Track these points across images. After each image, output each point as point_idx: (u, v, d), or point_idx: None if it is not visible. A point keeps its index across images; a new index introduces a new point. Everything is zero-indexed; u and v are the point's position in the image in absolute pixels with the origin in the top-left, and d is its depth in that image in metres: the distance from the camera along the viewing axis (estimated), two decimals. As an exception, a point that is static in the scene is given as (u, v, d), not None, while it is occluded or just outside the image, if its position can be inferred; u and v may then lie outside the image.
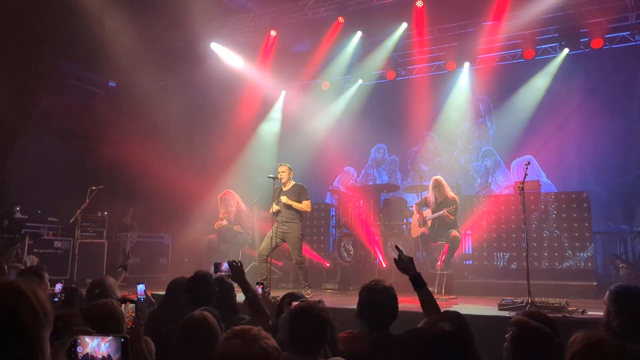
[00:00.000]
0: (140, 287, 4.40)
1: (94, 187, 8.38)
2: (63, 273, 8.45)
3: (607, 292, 2.99)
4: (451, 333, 2.02)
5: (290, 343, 2.42)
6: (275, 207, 7.03)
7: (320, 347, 2.46)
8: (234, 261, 3.75)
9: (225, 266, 3.90)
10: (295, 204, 6.99)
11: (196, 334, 2.42)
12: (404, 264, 3.19)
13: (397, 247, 3.45)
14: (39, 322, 1.28)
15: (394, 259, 3.27)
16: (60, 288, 4.33)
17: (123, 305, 2.97)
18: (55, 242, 8.65)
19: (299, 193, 7.05)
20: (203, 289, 3.26)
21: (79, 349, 2.02)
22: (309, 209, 7.26)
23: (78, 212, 8.28)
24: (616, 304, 2.90)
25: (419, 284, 3.12)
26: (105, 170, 10.04)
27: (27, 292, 1.29)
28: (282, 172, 7.08)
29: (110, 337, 2.05)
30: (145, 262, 9.53)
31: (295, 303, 2.77)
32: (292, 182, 7.14)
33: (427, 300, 3.11)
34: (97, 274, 8.74)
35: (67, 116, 10.50)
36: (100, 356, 2.03)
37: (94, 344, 2.04)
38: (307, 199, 7.09)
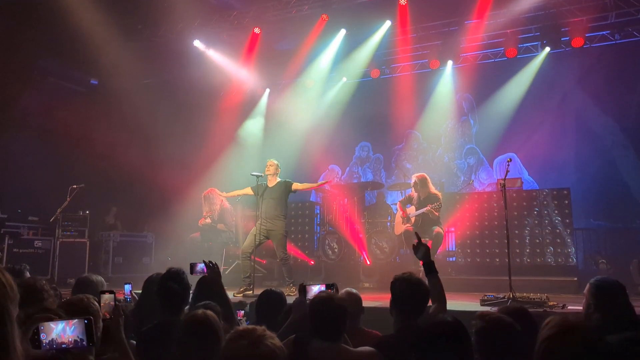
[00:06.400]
0: (127, 287, 4.35)
1: (75, 186, 8.24)
2: (44, 273, 8.32)
3: (588, 285, 3.01)
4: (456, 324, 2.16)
5: (311, 331, 2.64)
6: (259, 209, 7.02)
7: (341, 333, 2.67)
8: (210, 262, 3.69)
9: (200, 266, 3.82)
10: (307, 185, 7.27)
11: (199, 333, 2.42)
12: (423, 248, 3.35)
13: (416, 234, 3.60)
14: (7, 296, 1.33)
15: (413, 245, 3.42)
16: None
17: (102, 295, 2.95)
18: (36, 242, 8.53)
19: (284, 190, 7.06)
20: (176, 287, 3.20)
21: (42, 336, 1.99)
22: (304, 186, 7.37)
23: (58, 211, 8.15)
24: (596, 297, 2.92)
25: (431, 270, 3.29)
26: (87, 168, 9.91)
27: None
28: (270, 165, 7.08)
29: (76, 320, 2.03)
30: (128, 261, 9.45)
31: None
32: (278, 179, 7.12)
33: (436, 286, 3.25)
34: (78, 273, 8.55)
35: (48, 114, 10.31)
36: (68, 340, 2.00)
37: (59, 328, 2.01)
38: (293, 183, 7.13)
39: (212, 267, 3.69)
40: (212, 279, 3.64)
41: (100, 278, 3.86)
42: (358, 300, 3.32)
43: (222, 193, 7.47)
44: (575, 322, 1.91)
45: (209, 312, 2.49)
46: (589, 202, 9.17)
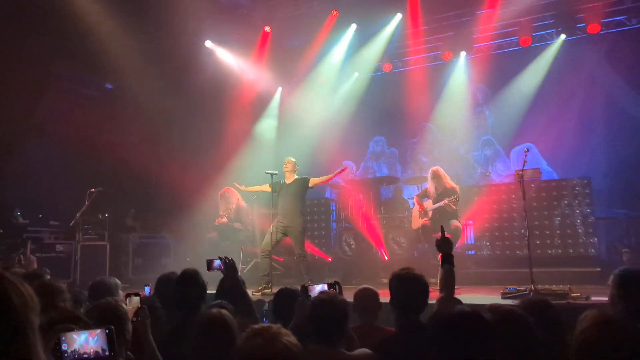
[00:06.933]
0: (147, 289, 4.38)
1: (93, 190, 8.34)
2: (66, 276, 8.43)
3: (611, 276, 2.97)
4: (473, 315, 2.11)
5: (312, 333, 2.55)
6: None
7: (340, 337, 2.60)
8: (226, 258, 3.70)
9: (217, 263, 3.82)
10: (323, 178, 7.22)
11: (214, 332, 2.41)
12: (446, 242, 3.36)
13: (441, 227, 3.57)
14: (28, 306, 1.32)
15: (437, 239, 3.40)
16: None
17: (127, 298, 2.96)
18: (57, 246, 8.63)
19: (302, 186, 7.07)
20: (192, 289, 3.20)
21: (64, 346, 1.98)
22: (321, 179, 7.27)
23: (78, 214, 8.26)
24: (620, 287, 2.88)
25: (448, 261, 3.29)
26: (105, 172, 10.02)
27: (13, 279, 1.33)
28: (288, 163, 7.14)
29: (99, 331, 2.02)
30: (148, 262, 9.55)
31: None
32: (295, 176, 7.14)
33: (449, 276, 3.25)
34: (100, 275, 8.72)
35: (65, 120, 10.44)
36: (91, 350, 2.00)
37: (82, 339, 2.00)
38: (310, 178, 7.14)
39: (228, 263, 3.69)
40: (228, 275, 3.66)
41: (115, 280, 3.86)
42: (375, 296, 3.30)
43: (241, 186, 7.49)
44: (611, 314, 1.88)
45: (224, 310, 2.49)
46: (609, 190, 8.99)
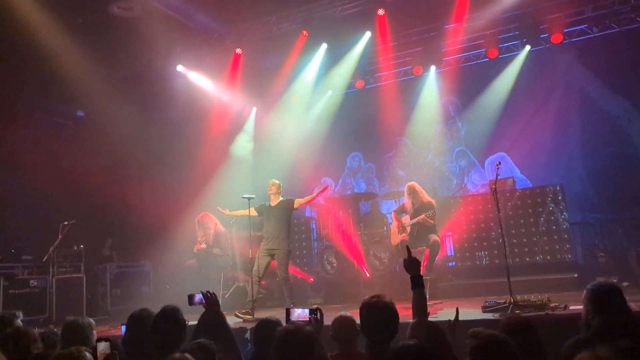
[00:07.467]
0: (124, 329, 4.26)
1: (67, 223, 8.16)
2: (41, 312, 8.23)
3: (585, 291, 3.03)
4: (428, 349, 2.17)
5: None
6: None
7: None
8: (207, 292, 3.65)
9: (198, 297, 3.76)
10: (307, 199, 7.25)
11: None
12: (413, 263, 3.34)
13: (407, 247, 3.58)
14: None
15: (404, 259, 3.41)
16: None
17: (98, 344, 2.87)
18: (31, 281, 8.40)
19: (287, 208, 7.08)
20: (170, 327, 3.12)
21: None
22: (306, 199, 7.30)
23: (51, 249, 8.05)
24: (594, 302, 2.94)
25: (417, 284, 3.26)
26: (79, 201, 9.85)
27: None
28: (272, 185, 7.16)
29: None
30: (127, 292, 9.38)
31: None
32: (280, 198, 7.15)
33: (420, 300, 3.24)
34: (77, 309, 8.54)
35: (36, 150, 10.26)
36: None
37: None
38: (294, 200, 7.15)
39: (209, 298, 3.64)
40: (210, 310, 3.60)
41: (89, 320, 3.70)
42: (351, 325, 3.28)
43: (226, 211, 7.42)
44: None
45: (187, 355, 2.44)
46: (582, 195, 9.18)
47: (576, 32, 9.11)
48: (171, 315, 3.19)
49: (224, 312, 3.73)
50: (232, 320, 6.51)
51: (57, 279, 8.46)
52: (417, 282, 3.28)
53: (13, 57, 8.93)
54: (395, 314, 2.98)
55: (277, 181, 7.22)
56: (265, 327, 3.39)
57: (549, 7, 8.71)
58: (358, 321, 3.16)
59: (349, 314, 3.38)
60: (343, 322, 3.27)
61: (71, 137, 10.73)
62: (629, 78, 9.02)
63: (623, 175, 8.78)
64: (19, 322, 3.90)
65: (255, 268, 6.95)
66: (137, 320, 3.40)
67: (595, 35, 9.03)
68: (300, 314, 3.37)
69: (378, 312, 2.94)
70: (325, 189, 7.20)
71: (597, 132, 9.25)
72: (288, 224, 7.11)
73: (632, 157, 8.87)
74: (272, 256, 6.98)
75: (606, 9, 8.63)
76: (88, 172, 10.09)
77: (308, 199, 7.33)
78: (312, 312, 3.30)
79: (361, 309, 3.03)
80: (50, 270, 8.39)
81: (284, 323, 3.67)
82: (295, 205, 7.10)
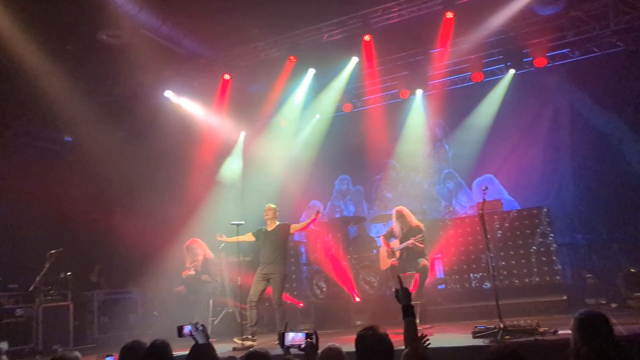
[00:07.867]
0: None
1: (53, 251, 8.07)
2: (27, 342, 8.08)
3: (572, 320, 3.08)
4: None
5: None
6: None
7: None
8: (196, 323, 3.64)
9: (187, 329, 3.74)
10: (303, 224, 7.46)
11: None
12: (404, 293, 3.50)
13: (398, 277, 3.73)
14: None
15: (395, 289, 3.55)
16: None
17: None
18: (17, 310, 8.25)
19: (283, 233, 7.11)
20: None
21: None
22: (301, 225, 7.49)
23: (37, 279, 7.94)
24: (581, 331, 3.00)
25: (408, 313, 3.41)
26: (66, 228, 9.76)
27: None
28: (268, 210, 7.21)
29: None
30: (114, 320, 9.27)
31: None
32: (277, 223, 7.17)
33: (411, 329, 3.36)
34: (64, 338, 8.41)
35: (23, 176, 10.18)
36: None
37: None
38: (290, 225, 7.24)
39: (200, 331, 3.62)
40: (202, 346, 3.58)
41: (76, 354, 3.67)
42: (339, 356, 3.26)
43: (223, 237, 7.39)
44: None
45: None
46: (570, 216, 9.24)
47: (559, 55, 9.28)
48: (161, 350, 3.17)
49: (212, 339, 3.72)
50: (228, 347, 6.49)
51: (43, 307, 8.33)
52: (408, 312, 3.41)
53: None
54: (389, 346, 3.01)
55: (273, 205, 7.26)
56: (254, 359, 3.37)
57: (531, 32, 8.89)
58: (348, 349, 3.15)
59: (336, 345, 3.36)
60: (332, 355, 3.25)
61: (58, 163, 10.67)
62: (618, 97, 9.13)
63: (615, 194, 8.79)
64: (3, 358, 3.83)
65: (251, 293, 6.93)
66: (129, 352, 3.39)
67: (578, 59, 9.22)
68: (294, 337, 3.39)
69: (373, 343, 2.98)
70: (317, 215, 7.23)
71: (588, 150, 9.31)
72: (284, 248, 7.16)
73: (625, 174, 8.85)
74: (267, 281, 6.98)
75: (587, 34, 8.81)
76: (75, 197, 10.03)
77: (304, 224, 7.49)
78: (308, 336, 3.32)
79: (356, 340, 3.05)
80: (37, 299, 8.26)
81: (273, 353, 3.66)
82: (291, 231, 7.21)
